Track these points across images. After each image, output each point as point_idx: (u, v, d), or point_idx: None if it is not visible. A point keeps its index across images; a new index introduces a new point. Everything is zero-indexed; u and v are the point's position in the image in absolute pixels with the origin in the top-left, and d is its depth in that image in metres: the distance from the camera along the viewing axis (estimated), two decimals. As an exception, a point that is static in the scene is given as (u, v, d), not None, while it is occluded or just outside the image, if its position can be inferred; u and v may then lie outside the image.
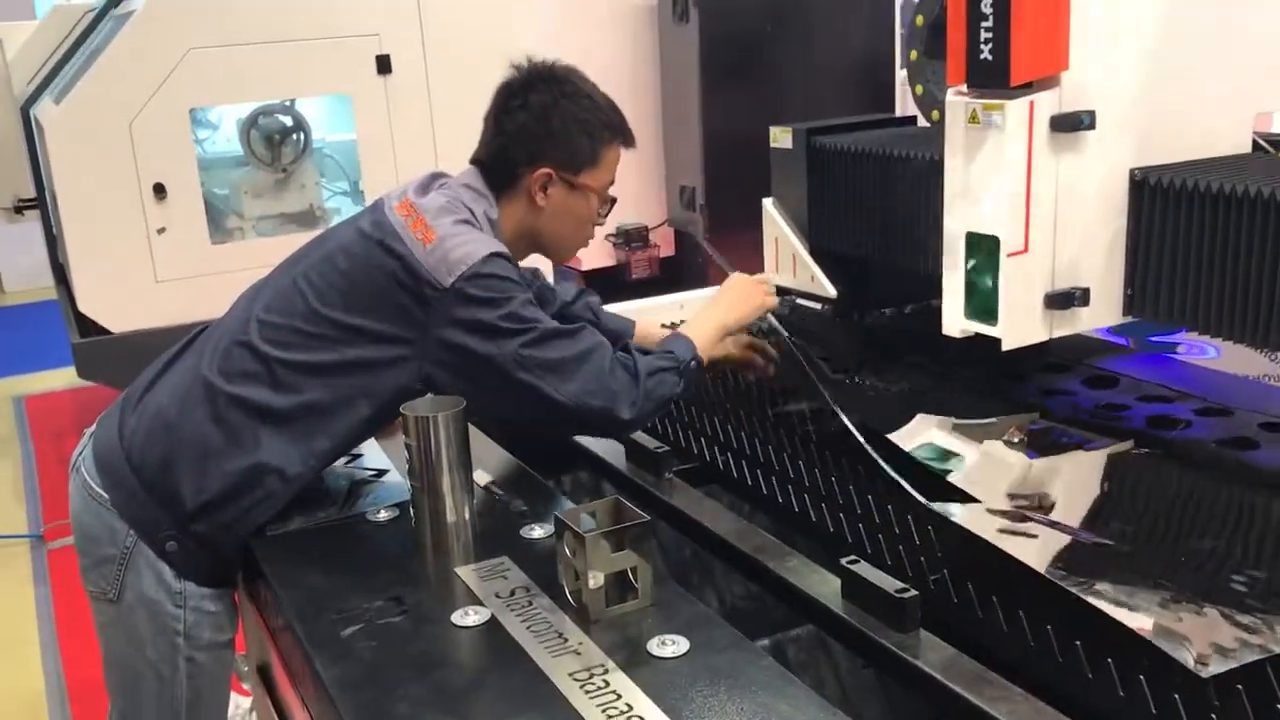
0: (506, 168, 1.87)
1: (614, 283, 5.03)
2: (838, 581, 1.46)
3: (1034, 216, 1.65)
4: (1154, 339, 2.68)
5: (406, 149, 4.60)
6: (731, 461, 1.87)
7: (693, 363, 1.87)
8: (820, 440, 1.89)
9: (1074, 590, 1.33)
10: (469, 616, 1.46)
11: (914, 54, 2.16)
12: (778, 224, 2.42)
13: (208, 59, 4.29)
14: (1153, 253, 1.70)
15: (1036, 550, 1.47)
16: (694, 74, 4.96)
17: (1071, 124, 1.62)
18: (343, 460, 1.94)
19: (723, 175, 4.95)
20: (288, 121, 4.86)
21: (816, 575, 1.51)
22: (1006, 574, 1.41)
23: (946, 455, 1.82)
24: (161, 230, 4.34)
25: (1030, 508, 1.62)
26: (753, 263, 2.49)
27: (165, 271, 4.37)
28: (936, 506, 1.59)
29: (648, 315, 2.37)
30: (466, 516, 1.71)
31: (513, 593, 1.52)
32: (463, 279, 1.70)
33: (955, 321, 1.76)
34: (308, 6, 4.42)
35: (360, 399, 1.77)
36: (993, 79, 1.61)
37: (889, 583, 1.39)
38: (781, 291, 2.33)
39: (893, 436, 1.84)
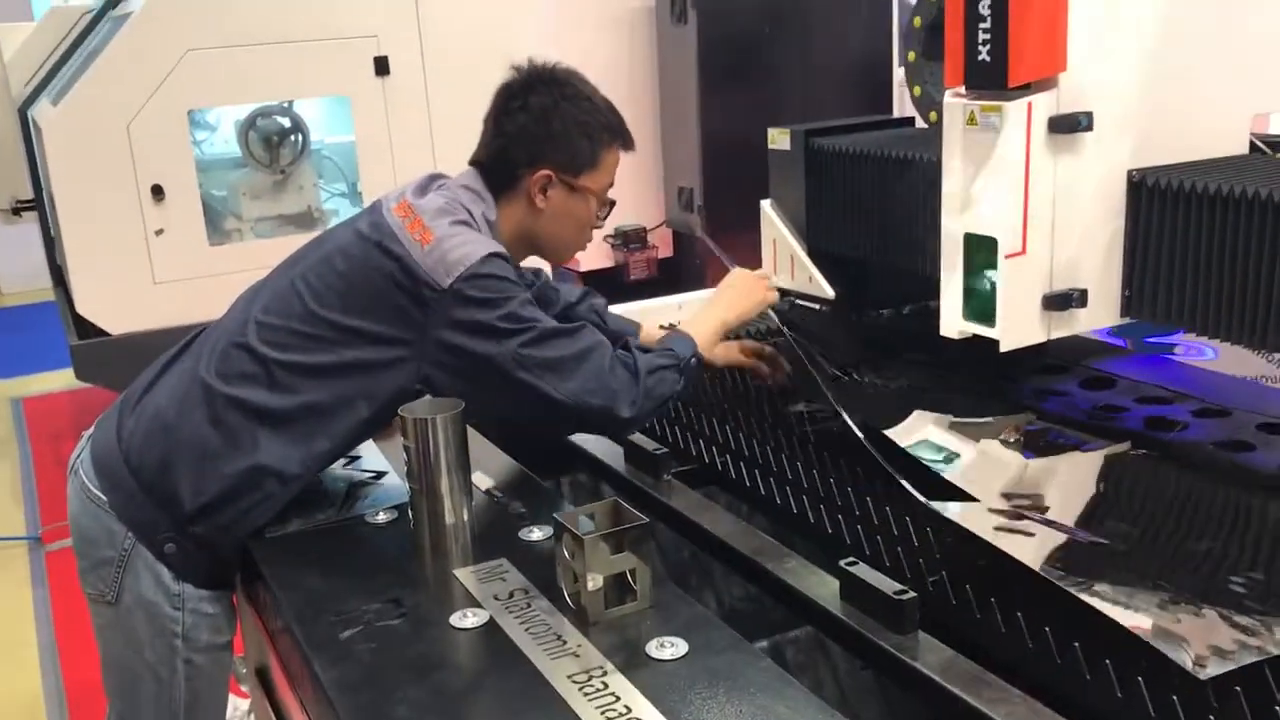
0: (506, 169, 1.87)
1: (612, 284, 5.02)
2: (836, 583, 1.46)
3: (1032, 218, 1.65)
4: (1151, 340, 2.68)
5: (405, 150, 4.60)
6: (730, 463, 1.87)
7: (693, 360, 1.87)
8: (819, 441, 1.89)
9: (1072, 590, 1.34)
10: (468, 619, 1.46)
11: (912, 55, 2.16)
12: (776, 225, 2.42)
13: (206, 60, 4.29)
14: (1150, 254, 1.70)
15: (1034, 551, 1.47)
16: (692, 75, 4.96)
17: (1069, 125, 1.62)
18: (341, 462, 1.94)
19: (721, 176, 4.95)
20: (286, 123, 4.86)
21: (815, 577, 1.51)
22: (1005, 575, 1.41)
23: (944, 455, 1.82)
24: (159, 232, 4.34)
25: (1027, 508, 1.62)
26: (751, 264, 2.49)
27: (163, 273, 4.37)
28: (935, 507, 1.59)
29: (646, 317, 2.37)
30: (465, 518, 1.71)
31: (511, 595, 1.52)
32: (461, 280, 1.70)
33: (953, 323, 1.76)
34: (306, 8, 4.43)
35: (359, 400, 1.77)
36: (991, 80, 1.61)
37: (887, 584, 1.39)
38: (780, 293, 2.33)
39: (890, 433, 1.84)
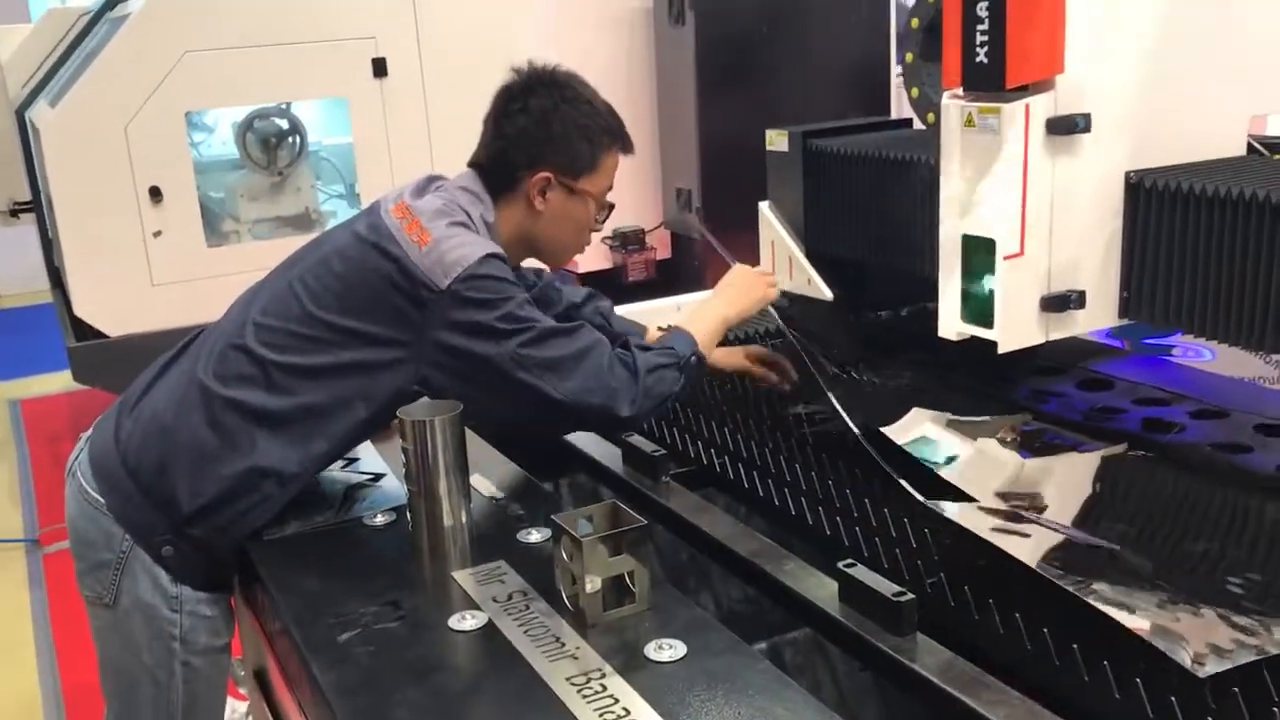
0: (505, 171, 1.87)
1: (610, 285, 5.02)
2: (834, 585, 1.46)
3: (1030, 219, 1.65)
4: (1149, 341, 2.69)
5: (402, 152, 4.60)
6: (728, 465, 1.87)
7: (693, 358, 1.87)
8: (817, 443, 1.89)
9: (1070, 589, 1.34)
10: (466, 621, 1.46)
11: (909, 56, 2.16)
12: (774, 227, 2.42)
13: (204, 62, 4.29)
14: (1148, 255, 1.70)
15: (1031, 551, 1.47)
16: (690, 76, 4.96)
17: (1067, 127, 1.62)
18: (339, 464, 1.93)
19: (719, 178, 4.94)
20: (284, 124, 4.86)
21: (813, 579, 1.51)
22: (1003, 577, 1.41)
23: (941, 454, 1.82)
24: (157, 234, 4.34)
25: (1024, 508, 1.62)
26: (750, 264, 2.48)
27: (161, 275, 4.37)
28: (932, 506, 1.59)
29: (644, 318, 2.37)
30: (463, 521, 1.70)
31: (510, 597, 1.52)
32: (459, 281, 1.70)
33: (951, 324, 1.76)
34: (304, 10, 4.43)
35: (356, 401, 1.77)
36: (988, 82, 1.61)
37: (886, 586, 1.39)
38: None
39: (888, 430, 1.84)
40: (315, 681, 1.39)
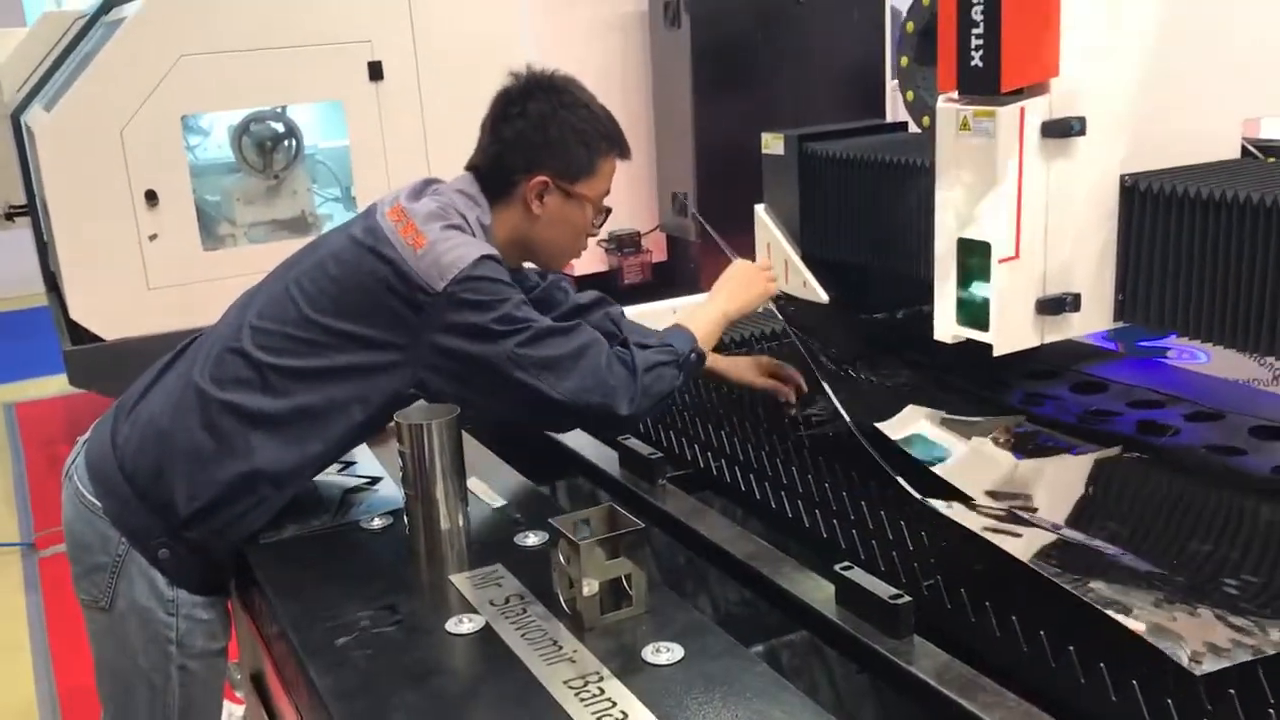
0: (503, 175, 1.87)
1: (606, 288, 4.98)
2: (831, 587, 1.46)
3: (1025, 222, 1.66)
4: (1143, 343, 2.69)
5: (398, 155, 4.60)
6: (725, 468, 1.87)
7: (692, 355, 1.86)
8: (814, 446, 1.89)
9: (1068, 587, 1.34)
10: (463, 624, 1.46)
11: (905, 60, 2.16)
12: (770, 230, 2.42)
13: (200, 65, 4.28)
14: (1143, 258, 1.70)
15: (1025, 550, 1.48)
16: (686, 80, 4.96)
17: (1062, 130, 1.63)
18: (336, 468, 1.93)
19: (714, 181, 4.95)
20: (280, 128, 4.86)
21: (810, 581, 1.52)
22: (999, 579, 1.41)
23: (934, 453, 1.82)
24: (153, 237, 4.33)
25: (1017, 508, 1.62)
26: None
27: (157, 278, 4.36)
28: (928, 505, 1.59)
29: (640, 321, 2.37)
30: (460, 524, 1.70)
31: (507, 600, 1.52)
32: (454, 283, 1.70)
33: (947, 327, 1.76)
34: (299, 13, 4.42)
35: (353, 404, 1.77)
36: (983, 86, 1.61)
37: (882, 588, 1.39)
38: (778, 293, 2.33)
39: (882, 426, 1.84)
40: (312, 685, 1.39)
